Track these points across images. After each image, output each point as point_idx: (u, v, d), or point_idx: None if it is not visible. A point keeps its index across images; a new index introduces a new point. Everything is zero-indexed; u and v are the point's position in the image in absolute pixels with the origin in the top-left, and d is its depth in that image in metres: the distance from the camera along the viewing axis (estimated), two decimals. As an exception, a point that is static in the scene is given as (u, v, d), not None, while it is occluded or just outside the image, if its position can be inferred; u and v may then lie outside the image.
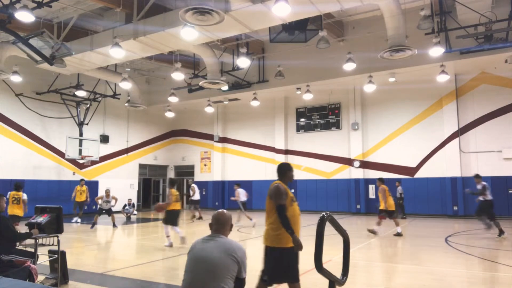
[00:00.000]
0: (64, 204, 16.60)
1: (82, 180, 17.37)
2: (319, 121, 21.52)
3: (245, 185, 23.42)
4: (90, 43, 14.37)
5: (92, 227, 14.28)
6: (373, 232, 11.67)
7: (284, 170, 4.43)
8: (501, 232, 10.70)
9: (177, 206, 10.09)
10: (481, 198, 11.35)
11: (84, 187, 16.77)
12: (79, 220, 16.52)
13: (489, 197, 11.23)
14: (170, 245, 9.81)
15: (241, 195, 15.26)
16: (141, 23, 12.93)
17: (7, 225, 5.10)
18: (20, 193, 10.77)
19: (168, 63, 19.26)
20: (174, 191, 10.08)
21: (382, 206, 11.74)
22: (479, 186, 11.51)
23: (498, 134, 16.83)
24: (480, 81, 17.46)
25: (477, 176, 11.99)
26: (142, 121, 24.32)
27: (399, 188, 17.45)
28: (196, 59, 19.33)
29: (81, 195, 16.61)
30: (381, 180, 12.21)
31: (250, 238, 11.42)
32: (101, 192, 19.06)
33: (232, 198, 15.89)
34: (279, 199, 4.09)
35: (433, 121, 18.34)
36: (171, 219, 10.04)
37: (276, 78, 17.99)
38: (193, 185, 17.88)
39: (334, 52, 17.07)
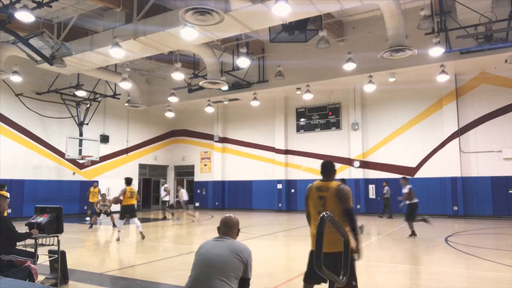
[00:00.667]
0: (64, 204, 16.68)
1: (95, 182, 17.90)
2: (319, 121, 21.52)
3: (245, 185, 23.49)
4: (90, 43, 14.37)
5: (90, 227, 14.35)
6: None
7: (334, 167, 4.16)
8: (413, 234, 11.04)
9: (131, 201, 11.47)
10: (407, 201, 11.51)
11: (97, 189, 17.09)
12: (87, 219, 16.70)
13: (415, 200, 11.46)
14: (118, 239, 11.10)
15: (184, 195, 16.76)
16: (141, 23, 12.93)
17: (7, 225, 5.11)
18: (5, 192, 10.84)
19: (168, 63, 19.26)
20: (129, 188, 11.47)
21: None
22: (405, 190, 11.61)
23: (498, 134, 16.83)
24: (480, 81, 17.45)
25: (404, 178, 12.05)
26: (142, 121, 24.32)
27: (386, 188, 17.73)
28: (196, 59, 19.32)
29: (93, 196, 16.81)
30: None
31: (250, 238, 11.42)
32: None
33: (176, 199, 17.45)
34: (349, 202, 3.88)
35: (433, 121, 18.34)
36: (124, 213, 11.44)
37: (276, 78, 17.99)
38: (166, 185, 18.56)
39: (334, 52, 17.07)
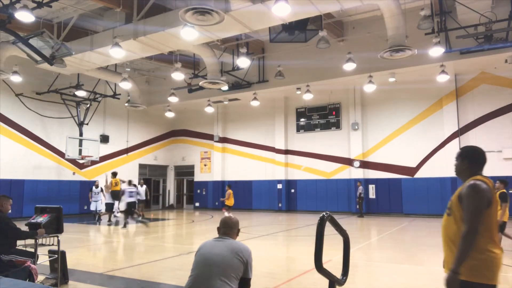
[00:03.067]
0: (64, 204, 16.65)
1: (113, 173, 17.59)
2: (319, 121, 21.52)
3: (245, 185, 23.49)
4: (90, 43, 14.37)
5: (96, 221, 14.49)
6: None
7: None
8: (125, 225, 14.23)
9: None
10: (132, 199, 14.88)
11: (117, 179, 16.60)
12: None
13: (128, 200, 14.66)
14: None
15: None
16: (141, 23, 12.93)
17: (8, 224, 5.11)
18: None
19: (168, 63, 19.26)
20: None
21: (226, 203, 15.39)
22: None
23: (498, 134, 16.82)
24: (480, 81, 17.45)
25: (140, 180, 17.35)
26: (142, 121, 24.31)
27: (360, 188, 18.30)
28: (196, 59, 19.32)
29: (116, 185, 16.30)
30: (229, 186, 15.90)
31: (250, 238, 11.42)
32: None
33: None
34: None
35: (433, 121, 18.34)
36: None
37: (276, 78, 17.99)
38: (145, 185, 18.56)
39: (334, 52, 17.06)
